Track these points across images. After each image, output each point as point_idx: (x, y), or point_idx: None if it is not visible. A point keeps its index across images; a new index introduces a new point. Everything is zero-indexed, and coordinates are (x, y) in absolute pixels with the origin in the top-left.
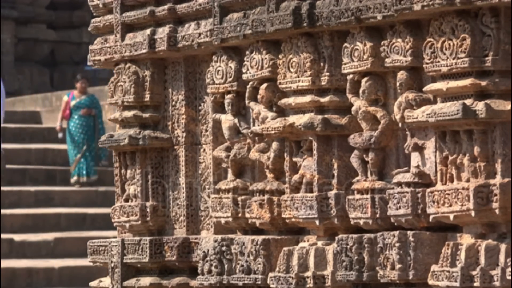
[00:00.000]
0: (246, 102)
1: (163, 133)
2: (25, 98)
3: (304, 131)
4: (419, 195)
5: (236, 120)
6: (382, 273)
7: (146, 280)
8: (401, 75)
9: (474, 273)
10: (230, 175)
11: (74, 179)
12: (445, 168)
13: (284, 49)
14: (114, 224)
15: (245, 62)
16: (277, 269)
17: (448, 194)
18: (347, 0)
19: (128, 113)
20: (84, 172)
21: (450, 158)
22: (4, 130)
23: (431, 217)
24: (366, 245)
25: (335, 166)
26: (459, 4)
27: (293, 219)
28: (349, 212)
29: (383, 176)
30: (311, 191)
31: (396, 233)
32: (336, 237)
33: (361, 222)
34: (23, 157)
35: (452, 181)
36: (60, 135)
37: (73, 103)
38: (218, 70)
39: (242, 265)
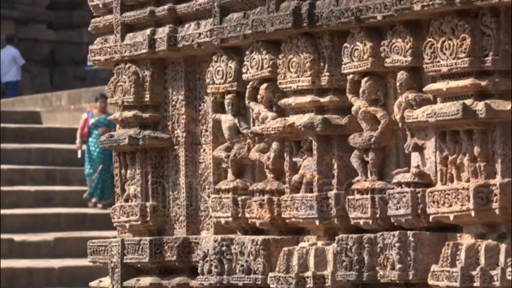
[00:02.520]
0: (246, 102)
1: (163, 133)
2: (25, 98)
3: (304, 131)
4: (419, 195)
5: (236, 120)
6: (382, 273)
7: (146, 280)
8: (401, 75)
9: (474, 273)
10: (230, 175)
11: (90, 198)
12: (445, 168)
13: (284, 49)
14: (114, 224)
15: (245, 62)
16: (277, 269)
17: (448, 194)
18: (347, 0)
19: (128, 113)
20: (101, 192)
21: (450, 158)
22: (4, 130)
23: (431, 217)
24: (366, 245)
25: (335, 166)
26: (459, 4)
27: (293, 219)
28: (349, 212)
29: (383, 176)
30: (311, 191)
31: (396, 233)
32: (336, 237)
33: (361, 222)
34: (23, 157)
35: (452, 181)
36: (79, 152)
37: (91, 121)
38: (218, 70)
39: (242, 265)
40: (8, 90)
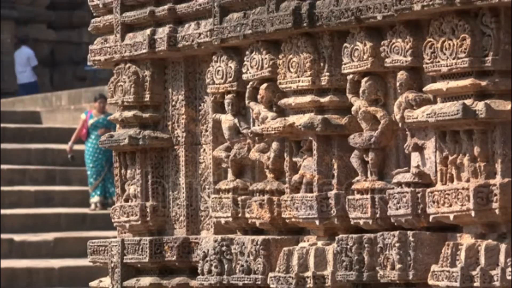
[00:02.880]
0: (246, 102)
1: (163, 133)
2: (25, 98)
3: (304, 131)
4: (419, 195)
5: (236, 120)
6: (382, 273)
7: (146, 280)
8: (401, 75)
9: (474, 273)
10: (230, 175)
11: (94, 199)
12: (445, 168)
13: (284, 49)
14: (114, 224)
15: (245, 62)
16: (277, 269)
17: (448, 194)
18: (347, 0)
19: (128, 113)
20: (112, 190)
21: (450, 158)
22: (4, 130)
23: (431, 217)
24: (366, 245)
25: (335, 166)
26: (459, 4)
27: (293, 219)
28: (349, 212)
29: (383, 176)
30: (311, 191)
31: (396, 233)
32: (336, 237)
33: (361, 222)
34: (23, 157)
35: (452, 181)
36: (69, 156)
37: (91, 122)
38: (218, 70)
39: (242, 265)
40: (25, 92)
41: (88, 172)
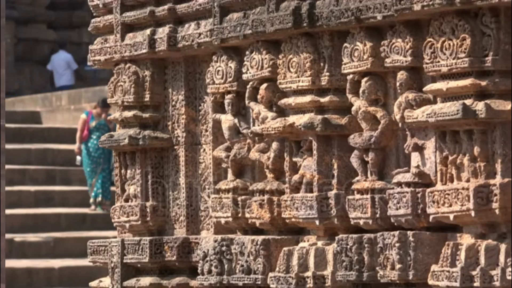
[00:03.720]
0: (246, 102)
1: (163, 133)
2: (25, 98)
3: (304, 131)
4: (419, 195)
5: (236, 120)
6: (382, 273)
7: (146, 280)
8: (401, 75)
9: (474, 273)
10: (230, 175)
11: (97, 200)
12: (445, 168)
13: (284, 49)
14: (114, 224)
15: (245, 62)
16: (277, 269)
17: (448, 194)
18: (347, 0)
19: (128, 113)
20: (105, 194)
21: (450, 158)
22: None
23: (431, 217)
24: (366, 245)
25: (335, 166)
26: (459, 4)
27: (293, 219)
28: (349, 212)
29: (383, 176)
30: (311, 191)
31: (396, 233)
32: (336, 237)
33: (361, 222)
34: (23, 157)
35: (452, 181)
36: (78, 158)
37: (92, 124)
38: (218, 70)
39: (242, 265)
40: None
41: (87, 173)
